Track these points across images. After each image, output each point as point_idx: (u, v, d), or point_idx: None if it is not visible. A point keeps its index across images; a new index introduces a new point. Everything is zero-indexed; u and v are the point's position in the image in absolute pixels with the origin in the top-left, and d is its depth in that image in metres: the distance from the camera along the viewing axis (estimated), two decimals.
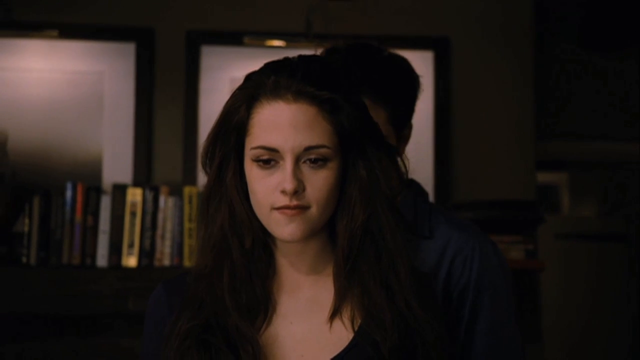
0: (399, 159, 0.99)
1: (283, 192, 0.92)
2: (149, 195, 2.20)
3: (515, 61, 2.53)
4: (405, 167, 0.99)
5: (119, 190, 2.21)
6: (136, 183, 2.30)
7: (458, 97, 2.51)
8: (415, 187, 1.28)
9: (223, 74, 2.38)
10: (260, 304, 0.96)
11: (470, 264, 1.23)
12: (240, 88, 0.97)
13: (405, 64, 1.23)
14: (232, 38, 2.41)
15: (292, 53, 1.00)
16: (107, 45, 2.36)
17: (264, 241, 0.98)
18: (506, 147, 2.51)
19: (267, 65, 0.98)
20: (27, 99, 2.33)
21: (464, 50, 2.51)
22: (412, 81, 1.20)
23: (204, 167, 0.99)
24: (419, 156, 2.39)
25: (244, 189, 0.96)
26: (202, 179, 2.40)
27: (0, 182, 2.23)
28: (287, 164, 0.92)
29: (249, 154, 0.95)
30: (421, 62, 2.48)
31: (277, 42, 2.41)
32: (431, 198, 2.41)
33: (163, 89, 2.39)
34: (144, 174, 2.34)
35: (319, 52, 1.25)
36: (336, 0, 2.40)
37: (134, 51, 2.36)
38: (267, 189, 0.93)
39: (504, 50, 2.53)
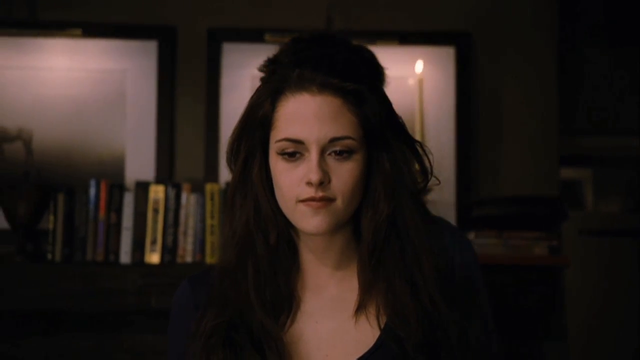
0: (422, 153, 0.99)
1: (309, 183, 0.92)
2: (171, 193, 2.21)
3: (538, 56, 2.51)
4: (429, 161, 0.99)
5: (142, 188, 2.23)
6: (158, 180, 2.32)
7: (480, 92, 2.49)
8: None
9: (244, 71, 2.39)
10: (284, 301, 0.96)
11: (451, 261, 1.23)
12: (264, 82, 0.97)
13: (370, 55, 1.22)
14: (253, 35, 2.41)
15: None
16: (129, 43, 2.37)
17: (289, 237, 0.98)
18: (529, 142, 2.49)
19: (291, 58, 0.97)
20: (51, 98, 2.35)
21: (486, 46, 2.49)
22: (379, 72, 1.20)
23: (228, 163, 0.99)
24: (440, 152, 2.38)
25: (269, 184, 0.96)
26: (223, 175, 2.41)
27: (26, 180, 2.26)
28: (313, 155, 0.92)
29: (274, 147, 0.95)
30: (443, 58, 2.47)
31: None
32: (453, 194, 2.40)
33: (185, 86, 2.40)
34: (166, 171, 2.35)
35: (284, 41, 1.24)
36: None
37: (156, 49, 2.38)
38: (292, 182, 0.93)
39: (526, 45, 2.51)
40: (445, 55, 2.47)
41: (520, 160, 2.48)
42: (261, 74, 1.00)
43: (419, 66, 2.40)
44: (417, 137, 2.26)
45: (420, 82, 2.37)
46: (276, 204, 0.96)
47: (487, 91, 2.49)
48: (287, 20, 2.44)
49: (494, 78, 2.50)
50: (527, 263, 2.16)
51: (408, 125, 1.00)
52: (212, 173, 2.36)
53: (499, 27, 2.51)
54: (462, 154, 2.44)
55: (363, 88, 0.94)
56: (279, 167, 0.94)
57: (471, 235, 2.19)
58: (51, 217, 2.23)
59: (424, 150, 0.98)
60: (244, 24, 2.43)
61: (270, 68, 1.00)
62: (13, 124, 2.34)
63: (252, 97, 0.98)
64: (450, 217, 2.37)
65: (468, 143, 2.45)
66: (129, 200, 2.21)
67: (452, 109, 2.46)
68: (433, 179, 0.99)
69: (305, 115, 0.92)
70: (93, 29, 2.35)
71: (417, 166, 0.99)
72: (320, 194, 0.92)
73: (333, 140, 0.92)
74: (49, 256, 2.22)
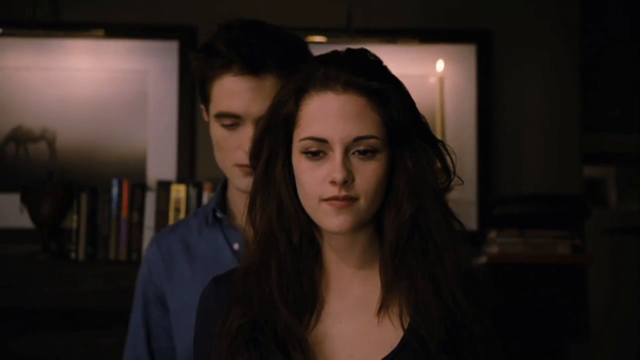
0: (445, 153, 0.99)
1: (332, 182, 0.92)
2: (193, 192, 2.23)
3: (560, 52, 2.48)
4: (452, 160, 0.98)
5: (163, 187, 2.25)
6: (180, 179, 2.34)
7: (501, 90, 2.47)
8: None
9: None
10: (307, 300, 0.96)
11: None
12: (288, 81, 0.97)
13: (302, 42, 1.24)
14: None
15: (333, 49, 1.00)
16: (151, 43, 2.39)
17: (312, 236, 0.98)
18: (551, 140, 2.47)
19: (315, 58, 0.98)
20: (74, 98, 2.38)
21: (507, 43, 2.48)
22: (309, 59, 1.22)
23: (251, 161, 0.99)
24: (461, 150, 2.37)
25: (292, 183, 0.96)
26: None
27: (50, 180, 2.29)
28: (337, 154, 0.92)
29: (297, 145, 0.94)
30: (464, 56, 2.45)
31: (318, 38, 2.41)
32: (474, 193, 2.39)
33: None
34: (187, 171, 2.37)
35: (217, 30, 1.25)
36: None
37: (177, 49, 2.39)
38: (315, 180, 0.93)
39: (549, 42, 2.49)
40: (466, 53, 2.45)
41: (542, 158, 2.46)
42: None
43: (440, 65, 2.39)
44: (438, 135, 2.26)
45: (441, 81, 2.36)
46: (299, 203, 0.96)
47: (509, 89, 2.48)
48: (306, 19, 2.45)
49: (515, 75, 2.48)
50: (550, 262, 2.14)
51: (429, 123, 0.99)
52: None
53: (520, 24, 2.49)
54: (483, 152, 2.42)
55: (387, 87, 0.94)
56: (302, 165, 0.94)
57: (493, 234, 2.18)
58: (74, 217, 2.25)
59: (446, 150, 0.98)
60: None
61: (206, 53, 1.07)
62: (37, 124, 2.37)
63: (276, 95, 0.98)
64: (472, 215, 2.36)
65: (489, 141, 2.44)
66: (150, 199, 2.23)
67: (473, 107, 2.44)
68: (456, 178, 0.99)
69: (329, 114, 0.92)
70: (115, 30, 2.37)
71: (439, 165, 0.98)
72: (343, 193, 0.92)
73: (357, 140, 0.92)
74: (73, 255, 2.24)
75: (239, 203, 1.22)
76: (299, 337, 0.94)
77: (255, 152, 0.98)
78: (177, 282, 1.23)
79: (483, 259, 2.16)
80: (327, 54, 0.97)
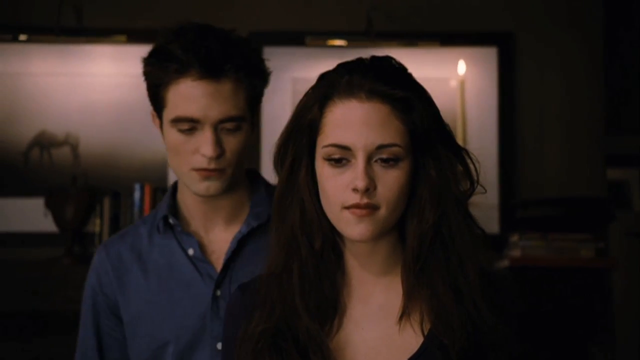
0: (468, 160, 0.98)
1: (354, 190, 0.92)
2: None
3: (583, 54, 2.46)
4: (475, 169, 0.98)
5: None
6: None
7: (523, 92, 2.46)
8: (260, 179, 1.28)
9: (285, 74, 2.40)
10: (329, 306, 0.96)
11: None
12: (313, 87, 0.98)
13: (254, 45, 1.24)
14: (294, 38, 2.42)
15: (354, 52, 1.01)
16: None
17: (334, 242, 0.98)
18: (574, 142, 2.45)
19: (340, 65, 0.98)
20: (97, 103, 2.40)
21: (528, 45, 2.46)
22: (263, 63, 1.21)
23: (275, 166, 1.00)
24: (483, 153, 2.35)
25: (315, 189, 0.97)
26: (265, 177, 2.42)
27: (73, 184, 2.31)
28: (359, 162, 0.92)
29: (320, 152, 0.95)
30: (485, 58, 2.44)
31: (338, 42, 2.41)
32: (496, 196, 2.38)
33: None
34: None
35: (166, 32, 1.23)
36: None
37: None
38: (338, 188, 0.93)
39: (571, 44, 2.47)
40: (488, 56, 2.44)
41: (565, 160, 2.44)
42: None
43: (461, 67, 2.38)
44: (459, 138, 2.25)
45: (462, 83, 2.36)
46: (321, 209, 0.97)
47: (530, 91, 2.46)
48: (327, 22, 2.45)
49: (537, 77, 2.46)
50: (573, 265, 2.12)
51: (450, 126, 0.99)
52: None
53: (542, 26, 2.47)
54: (505, 155, 2.41)
55: (411, 95, 0.94)
56: (325, 172, 0.94)
57: (515, 237, 2.16)
58: (97, 220, 2.27)
59: (470, 158, 0.98)
60: (284, 27, 2.45)
61: (160, 57, 1.08)
62: (61, 129, 2.39)
63: (300, 101, 0.98)
64: (494, 219, 2.35)
65: (511, 143, 2.42)
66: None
67: (495, 110, 2.43)
68: (479, 187, 0.98)
69: (353, 122, 0.93)
70: (137, 35, 2.40)
71: (461, 169, 0.98)
72: (365, 200, 0.92)
73: (380, 148, 0.92)
74: None
75: (192, 208, 1.20)
76: (320, 343, 0.94)
77: (279, 157, 0.99)
78: (131, 292, 1.20)
79: (505, 263, 2.14)
80: (351, 62, 0.98)
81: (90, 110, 2.40)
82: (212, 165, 1.14)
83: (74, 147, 2.39)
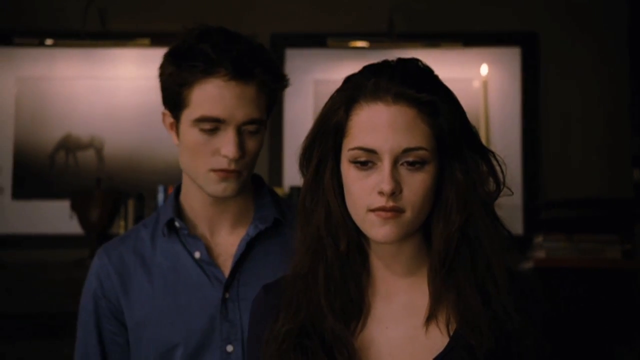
0: (494, 162, 0.98)
1: (380, 193, 0.92)
2: None
3: (607, 54, 2.44)
4: (502, 171, 0.98)
5: None
6: None
7: (547, 92, 2.44)
8: (265, 184, 1.26)
9: (307, 76, 2.40)
10: (354, 306, 0.97)
11: None
12: (339, 90, 0.98)
13: (268, 55, 1.22)
14: (316, 40, 2.43)
15: (376, 54, 1.01)
16: None
17: (359, 243, 0.98)
18: (600, 143, 2.42)
19: (366, 68, 0.98)
20: (121, 106, 2.43)
21: (552, 45, 2.44)
22: (282, 69, 1.22)
23: (301, 168, 1.00)
24: (506, 153, 2.34)
25: (340, 191, 0.97)
26: (288, 180, 2.43)
27: (98, 187, 2.34)
28: (385, 165, 0.92)
29: (346, 155, 0.95)
30: (508, 59, 2.43)
31: (360, 43, 2.41)
32: (519, 196, 2.36)
33: None
34: None
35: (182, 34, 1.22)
36: None
37: None
38: (363, 190, 0.93)
39: (595, 44, 2.44)
40: (511, 56, 2.43)
41: (590, 161, 2.41)
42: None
43: (484, 68, 2.37)
44: (482, 138, 2.23)
45: (485, 84, 2.34)
46: (347, 210, 0.97)
47: (554, 91, 2.44)
48: (349, 24, 2.45)
49: (561, 78, 2.44)
50: (599, 267, 2.10)
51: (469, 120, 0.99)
52: (276, 177, 2.38)
53: (566, 26, 2.45)
54: (529, 156, 2.39)
55: (438, 98, 0.94)
56: (350, 175, 0.95)
57: (539, 238, 2.14)
58: (122, 222, 2.29)
59: (497, 161, 0.97)
60: (306, 29, 2.45)
61: (186, 57, 1.08)
62: (86, 132, 2.42)
63: (326, 104, 0.98)
64: (517, 219, 2.33)
65: (535, 144, 2.40)
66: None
67: (518, 110, 2.41)
68: (505, 189, 0.98)
69: (379, 125, 0.93)
70: (160, 38, 2.42)
71: (485, 169, 0.98)
72: (391, 203, 0.92)
73: (406, 151, 0.92)
74: None
75: (198, 211, 1.20)
76: (345, 342, 0.94)
77: (304, 159, 0.99)
78: (135, 296, 1.18)
79: (529, 264, 2.13)
80: (378, 64, 0.97)
81: (114, 113, 2.42)
82: (232, 167, 1.14)
83: (99, 150, 2.42)
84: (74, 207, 2.32)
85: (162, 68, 1.21)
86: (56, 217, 2.36)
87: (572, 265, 2.10)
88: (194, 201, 1.21)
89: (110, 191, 2.32)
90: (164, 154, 2.41)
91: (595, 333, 2.08)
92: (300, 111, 2.38)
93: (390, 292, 0.98)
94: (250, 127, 1.15)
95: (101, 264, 1.22)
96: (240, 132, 1.14)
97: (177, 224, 1.20)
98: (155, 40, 2.41)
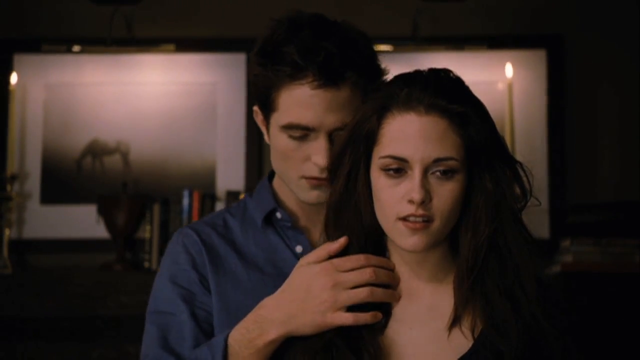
0: (522, 173, 0.99)
1: (410, 201, 0.94)
2: None
3: (635, 56, 2.41)
4: (529, 182, 0.98)
5: (232, 197, 2.28)
6: (248, 189, 2.37)
7: (573, 95, 2.41)
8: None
9: None
10: (380, 307, 0.98)
11: None
12: (371, 98, 0.99)
13: (370, 42, 1.14)
14: None
15: (400, 57, 1.01)
16: (219, 56, 2.44)
17: (384, 248, 1.01)
18: (628, 146, 2.39)
19: (398, 77, 1.00)
20: (147, 111, 2.45)
21: (578, 47, 2.42)
22: (378, 61, 1.13)
23: (330, 174, 1.01)
24: (532, 156, 2.32)
25: (371, 198, 0.99)
26: None
27: (124, 191, 2.36)
28: (416, 174, 0.94)
29: (377, 162, 0.96)
30: (534, 61, 2.41)
31: (384, 47, 2.41)
32: (545, 200, 2.34)
33: None
34: (255, 180, 2.40)
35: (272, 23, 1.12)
36: (444, 2, 2.37)
37: (245, 61, 2.44)
38: (393, 198, 0.95)
39: (622, 46, 2.41)
40: (537, 58, 2.41)
41: (618, 164, 2.38)
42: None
43: (509, 70, 2.35)
44: (507, 142, 2.22)
45: (510, 86, 2.33)
46: (375, 217, 0.98)
47: (581, 94, 2.41)
48: (373, 27, 2.44)
49: (587, 80, 2.41)
50: (628, 271, 2.07)
51: (498, 130, 1.00)
52: None
53: (592, 28, 2.42)
54: (555, 159, 2.37)
55: (469, 110, 0.95)
56: (381, 182, 0.96)
57: (566, 242, 2.12)
58: (148, 227, 2.31)
59: (524, 171, 0.98)
60: None
61: (272, 59, 1.03)
62: (112, 137, 2.45)
63: (358, 112, 1.00)
64: (544, 223, 2.31)
65: (561, 147, 2.38)
66: (220, 209, 2.27)
67: (544, 113, 2.39)
68: (533, 199, 0.99)
69: (410, 134, 0.94)
70: (185, 44, 2.44)
71: (512, 177, 0.99)
72: (420, 212, 0.93)
73: (437, 161, 0.94)
74: (146, 264, 2.30)
75: (295, 206, 1.15)
76: (371, 341, 0.96)
77: (335, 166, 1.00)
78: (228, 281, 1.11)
79: (557, 268, 2.10)
80: (410, 74, 0.99)
81: (140, 118, 2.44)
82: (324, 175, 1.08)
83: (125, 155, 2.44)
84: (100, 212, 2.34)
85: (251, 66, 1.13)
86: (83, 221, 2.38)
87: (600, 270, 2.07)
88: (288, 199, 1.16)
89: (136, 196, 2.34)
90: (190, 158, 2.42)
91: (625, 339, 2.05)
92: None
93: (414, 295, 0.99)
94: (342, 133, 1.07)
95: (191, 240, 1.14)
96: (331, 138, 1.07)
97: (278, 214, 1.15)
98: (180, 46, 2.43)
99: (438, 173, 0.94)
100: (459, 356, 0.95)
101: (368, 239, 0.99)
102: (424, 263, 0.98)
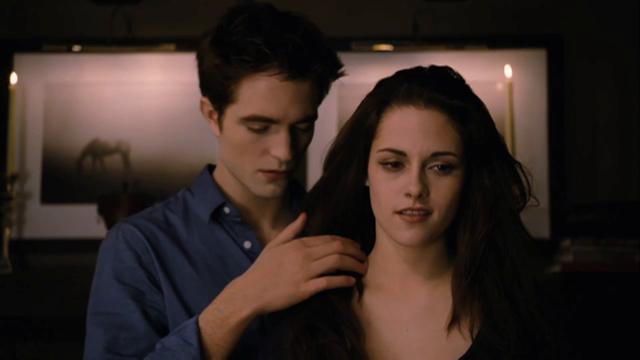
0: (521, 173, 0.99)
1: (407, 195, 0.93)
2: None
3: (635, 56, 2.41)
4: (528, 182, 0.98)
5: None
6: None
7: (573, 95, 2.41)
8: (299, 183, 1.21)
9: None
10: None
11: None
12: (371, 94, 0.99)
13: (322, 34, 1.11)
14: (339, 44, 2.42)
15: (400, 57, 1.02)
16: None
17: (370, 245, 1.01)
18: (628, 145, 2.39)
19: (399, 73, 1.00)
20: (147, 111, 2.45)
21: (579, 47, 2.42)
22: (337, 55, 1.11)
23: (325, 166, 1.01)
24: (532, 156, 2.33)
25: (362, 195, 0.99)
26: (312, 183, 2.42)
27: (124, 191, 2.36)
28: (413, 167, 0.93)
29: (375, 156, 0.96)
30: (534, 61, 2.41)
31: (384, 47, 2.41)
32: (545, 200, 2.34)
33: None
34: None
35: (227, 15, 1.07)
36: (444, 2, 2.37)
37: None
38: (391, 192, 0.94)
39: (622, 46, 2.41)
40: (537, 59, 2.41)
41: (618, 164, 2.38)
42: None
43: (509, 70, 2.35)
44: (507, 141, 2.22)
45: (510, 87, 2.33)
46: (354, 213, 0.99)
47: (581, 94, 2.42)
48: (373, 27, 2.45)
49: (588, 80, 2.41)
50: (628, 271, 2.07)
51: (498, 130, 1.00)
52: (300, 181, 2.38)
53: (593, 28, 2.42)
54: (555, 158, 2.37)
55: (469, 106, 0.96)
56: (378, 176, 0.96)
57: (567, 242, 2.12)
58: None
59: (523, 172, 0.98)
60: (329, 32, 2.44)
61: (233, 48, 1.01)
62: (112, 137, 2.45)
63: (358, 108, 1.00)
64: (544, 223, 2.31)
65: (561, 147, 2.38)
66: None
67: (544, 113, 2.39)
68: (532, 199, 0.99)
69: (409, 128, 0.94)
70: (186, 44, 2.43)
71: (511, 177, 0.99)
72: (418, 205, 0.93)
73: (435, 155, 0.94)
74: None
75: (240, 202, 1.11)
76: (349, 317, 0.96)
77: (331, 158, 1.00)
78: (177, 280, 1.07)
79: (557, 268, 2.10)
80: (411, 70, 0.99)
81: (140, 118, 2.44)
82: (283, 168, 1.07)
83: (125, 155, 2.44)
84: (101, 212, 2.34)
85: (205, 56, 1.11)
86: (83, 221, 2.38)
87: (601, 270, 2.07)
88: (235, 193, 1.13)
89: (137, 195, 2.34)
90: (190, 158, 2.42)
91: (625, 338, 2.05)
92: (324, 114, 2.35)
93: (410, 296, 0.99)
94: (303, 125, 1.07)
95: (133, 237, 1.09)
96: (292, 131, 1.06)
97: (226, 209, 1.11)
98: (181, 46, 2.43)
99: (436, 168, 0.94)
100: (457, 358, 0.94)
101: (342, 231, 0.99)
102: (421, 260, 0.98)
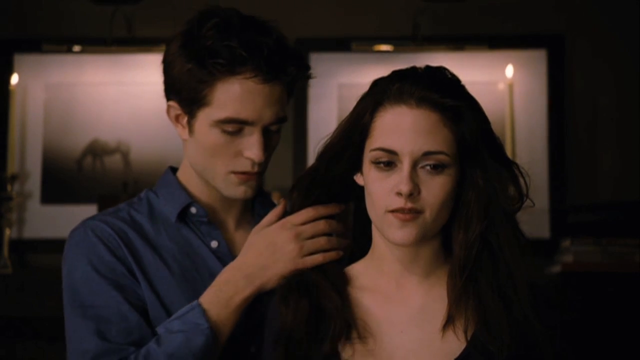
0: (518, 174, 0.99)
1: (398, 194, 0.93)
2: None
3: (636, 56, 2.41)
4: (525, 183, 0.98)
5: None
6: None
7: (574, 95, 2.41)
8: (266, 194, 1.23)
9: (331, 80, 2.41)
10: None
11: None
12: (365, 94, 1.00)
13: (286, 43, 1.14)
14: (340, 44, 2.43)
15: (400, 57, 1.02)
16: None
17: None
18: (628, 146, 2.39)
19: (393, 72, 1.00)
20: (147, 111, 2.45)
21: (579, 47, 2.42)
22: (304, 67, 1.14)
23: (317, 158, 1.03)
24: (532, 156, 2.33)
25: (357, 193, 1.00)
26: None
27: (124, 191, 2.36)
28: (405, 166, 0.94)
29: (368, 155, 0.97)
30: (534, 61, 2.41)
31: (384, 47, 2.41)
32: (546, 200, 2.34)
33: None
34: None
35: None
36: (444, 2, 2.37)
37: None
38: (383, 191, 0.95)
39: (623, 46, 2.41)
40: (537, 58, 2.41)
41: (618, 164, 2.39)
42: None
43: (509, 70, 2.35)
44: (508, 141, 2.22)
45: (511, 87, 2.33)
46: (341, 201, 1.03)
47: (581, 94, 2.42)
48: (373, 28, 2.45)
49: (588, 81, 2.41)
50: (628, 271, 2.07)
51: (498, 130, 1.00)
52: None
53: (593, 28, 2.42)
54: (555, 159, 2.37)
55: (462, 105, 0.95)
56: (371, 175, 0.96)
57: (567, 242, 2.12)
58: None
59: (520, 172, 0.98)
60: (330, 33, 2.45)
61: (207, 52, 1.02)
62: (112, 137, 2.45)
63: (353, 109, 1.01)
64: (544, 223, 2.31)
65: (561, 147, 2.38)
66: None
67: (544, 113, 2.39)
68: (528, 201, 0.99)
69: (401, 127, 0.94)
70: None
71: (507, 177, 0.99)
72: (409, 205, 0.93)
73: (426, 154, 0.94)
74: None
75: (210, 201, 1.13)
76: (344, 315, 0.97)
77: (324, 151, 1.01)
78: (149, 275, 1.07)
79: (557, 268, 2.10)
80: (405, 70, 0.99)
81: (140, 118, 2.44)
82: (256, 169, 1.10)
83: (125, 155, 2.44)
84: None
85: (175, 60, 1.12)
86: None
87: (600, 270, 2.07)
88: (201, 194, 1.15)
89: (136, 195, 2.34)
90: None
91: (625, 338, 2.05)
92: (325, 115, 2.38)
93: (405, 297, 0.99)
94: (274, 127, 1.10)
95: (104, 233, 1.10)
96: (265, 133, 1.08)
97: (193, 209, 1.13)
98: None
99: (428, 167, 0.94)
100: (451, 358, 0.94)
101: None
102: (416, 260, 0.98)
